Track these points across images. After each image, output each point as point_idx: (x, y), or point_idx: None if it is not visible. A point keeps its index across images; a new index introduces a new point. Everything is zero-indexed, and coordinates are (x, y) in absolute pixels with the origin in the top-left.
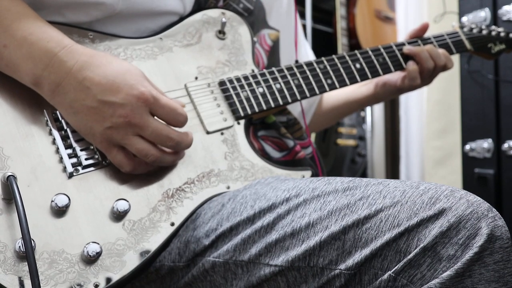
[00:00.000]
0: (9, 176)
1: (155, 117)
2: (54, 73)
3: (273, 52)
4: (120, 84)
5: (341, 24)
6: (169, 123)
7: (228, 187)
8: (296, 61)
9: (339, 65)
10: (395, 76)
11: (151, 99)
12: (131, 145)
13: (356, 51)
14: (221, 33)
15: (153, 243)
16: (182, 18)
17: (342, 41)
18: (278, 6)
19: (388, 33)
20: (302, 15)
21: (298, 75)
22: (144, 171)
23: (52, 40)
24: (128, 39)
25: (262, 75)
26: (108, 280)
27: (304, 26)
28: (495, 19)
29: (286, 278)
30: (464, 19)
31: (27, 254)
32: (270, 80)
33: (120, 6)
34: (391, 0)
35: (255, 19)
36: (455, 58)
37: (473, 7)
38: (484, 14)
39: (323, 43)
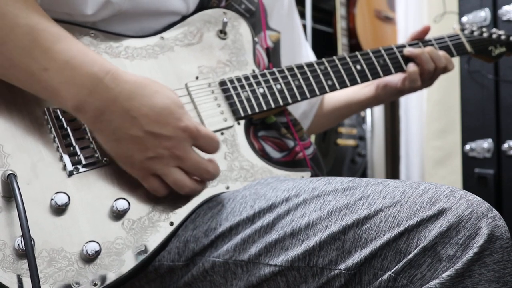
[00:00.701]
0: (9, 174)
1: (194, 148)
2: (99, 100)
3: (274, 53)
4: (167, 117)
5: (341, 24)
6: (207, 151)
7: (228, 187)
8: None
9: (339, 66)
10: (395, 78)
11: (195, 132)
12: (169, 176)
13: (357, 53)
14: (222, 33)
15: (152, 243)
16: (183, 18)
17: (342, 41)
18: (279, 8)
19: (388, 33)
20: (302, 15)
21: (299, 75)
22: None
23: (95, 64)
24: (130, 38)
25: (263, 75)
26: (107, 278)
27: (304, 26)
28: (495, 19)
29: (286, 278)
30: (464, 19)
31: (27, 253)
32: (271, 81)
33: (126, 5)
34: (391, 0)
35: (257, 20)
36: (455, 58)
37: (473, 7)
38: (484, 14)
39: (323, 43)
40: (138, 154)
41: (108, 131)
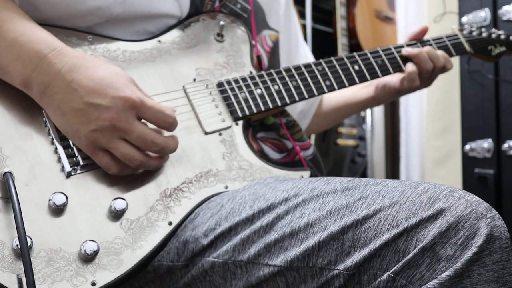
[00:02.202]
0: (6, 173)
1: (143, 121)
2: (43, 75)
3: (273, 53)
4: (107, 86)
5: (341, 24)
6: (157, 125)
7: (226, 187)
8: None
9: (337, 67)
10: (394, 78)
11: (137, 102)
12: (116, 149)
13: (355, 53)
14: (219, 36)
15: (150, 242)
16: (180, 21)
17: (342, 41)
18: (276, 7)
19: (388, 33)
20: (302, 15)
21: (296, 76)
22: (131, 172)
23: (42, 41)
24: (127, 42)
25: (260, 76)
26: (105, 278)
27: (304, 26)
28: (495, 19)
29: (285, 278)
30: (464, 19)
31: (21, 249)
32: (268, 82)
33: (117, 9)
34: (391, 0)
35: (255, 20)
36: (455, 58)
37: (473, 7)
38: (484, 14)
39: (323, 43)
40: (82, 128)
41: (54, 105)
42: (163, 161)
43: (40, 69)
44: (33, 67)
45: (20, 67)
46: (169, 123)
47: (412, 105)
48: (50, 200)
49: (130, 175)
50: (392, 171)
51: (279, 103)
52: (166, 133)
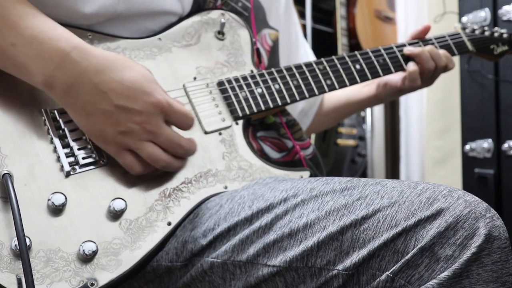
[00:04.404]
0: (5, 174)
1: (166, 124)
2: (67, 74)
3: (273, 52)
4: (137, 91)
5: (341, 24)
6: (180, 127)
7: (226, 187)
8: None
9: (338, 66)
10: (395, 77)
11: (166, 107)
12: (143, 150)
13: (356, 52)
14: (220, 34)
15: (149, 243)
16: (181, 19)
17: (342, 41)
18: (276, 6)
19: (388, 33)
20: (302, 15)
21: (297, 75)
22: (151, 173)
23: (62, 38)
24: (127, 40)
25: (261, 75)
26: (104, 279)
27: (304, 26)
28: (495, 19)
29: (284, 279)
30: (464, 19)
31: (20, 249)
32: (269, 81)
33: (120, 7)
34: (391, 0)
35: (255, 19)
36: (455, 58)
37: (473, 7)
38: (484, 14)
39: (323, 43)
40: (109, 129)
41: (78, 106)
42: (184, 163)
43: (62, 68)
44: (54, 65)
45: (40, 65)
46: (189, 125)
47: (412, 105)
48: (49, 200)
49: (129, 176)
50: (392, 171)
51: (279, 103)
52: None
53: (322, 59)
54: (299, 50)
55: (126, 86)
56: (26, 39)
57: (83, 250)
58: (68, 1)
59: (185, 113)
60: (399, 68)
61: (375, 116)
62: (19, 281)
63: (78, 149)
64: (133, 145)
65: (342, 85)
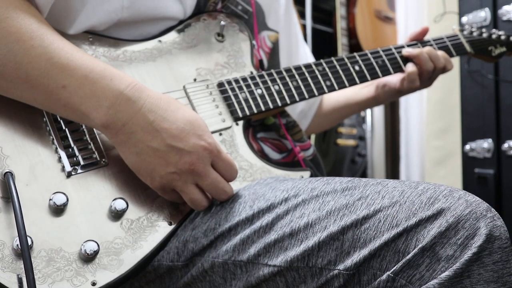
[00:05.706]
0: (6, 173)
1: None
2: (121, 112)
3: (273, 54)
4: (189, 132)
5: (341, 24)
6: (223, 176)
7: None
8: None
9: (337, 67)
10: (394, 78)
11: (215, 152)
12: (187, 194)
13: (355, 53)
14: (220, 36)
15: (151, 242)
16: (181, 21)
17: (342, 41)
18: (276, 8)
19: (388, 33)
20: (302, 15)
21: (297, 77)
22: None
23: (114, 77)
24: (128, 42)
25: (261, 77)
26: (106, 278)
27: (304, 26)
28: (495, 19)
29: (285, 279)
30: (464, 19)
31: (22, 248)
32: (269, 82)
33: (124, 14)
34: (391, 0)
35: (258, 21)
36: (455, 59)
37: (473, 7)
38: (484, 14)
39: (323, 43)
40: (159, 168)
41: (131, 143)
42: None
43: (118, 106)
44: (109, 103)
45: (95, 105)
46: (233, 177)
47: (412, 105)
48: (50, 200)
49: (130, 176)
50: (392, 171)
51: (279, 103)
52: None
53: (321, 61)
54: (299, 51)
55: (179, 126)
56: (78, 80)
57: (85, 249)
58: (73, 12)
59: (233, 164)
60: (398, 69)
61: (375, 116)
62: (20, 281)
63: (79, 150)
64: (179, 188)
65: (341, 86)
